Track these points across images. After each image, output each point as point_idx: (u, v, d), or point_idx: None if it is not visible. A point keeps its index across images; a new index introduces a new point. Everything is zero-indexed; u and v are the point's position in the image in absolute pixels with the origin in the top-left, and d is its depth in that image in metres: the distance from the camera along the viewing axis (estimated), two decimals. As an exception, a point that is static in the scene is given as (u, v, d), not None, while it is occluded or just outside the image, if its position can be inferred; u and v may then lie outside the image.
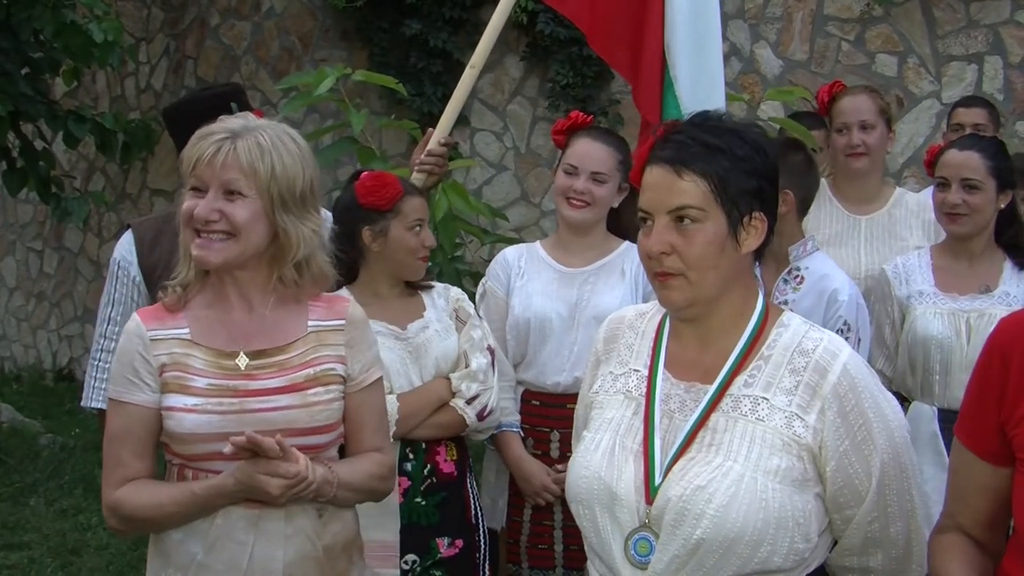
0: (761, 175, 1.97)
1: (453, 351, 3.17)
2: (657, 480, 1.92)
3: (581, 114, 3.50)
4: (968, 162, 3.46)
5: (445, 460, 3.16)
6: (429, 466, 3.13)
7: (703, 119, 2.01)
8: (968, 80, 6.23)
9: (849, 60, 6.50)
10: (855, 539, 1.99)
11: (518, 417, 3.37)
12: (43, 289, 9.53)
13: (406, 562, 3.08)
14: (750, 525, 1.85)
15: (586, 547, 2.08)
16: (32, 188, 7.02)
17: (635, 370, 2.08)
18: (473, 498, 3.23)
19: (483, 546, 3.22)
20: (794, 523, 1.88)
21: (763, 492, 1.87)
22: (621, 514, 1.94)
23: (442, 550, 3.12)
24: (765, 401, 1.93)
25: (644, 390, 2.03)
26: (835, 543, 2.03)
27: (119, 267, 3.27)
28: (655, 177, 1.96)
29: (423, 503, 3.09)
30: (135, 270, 3.23)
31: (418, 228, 3.15)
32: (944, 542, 1.96)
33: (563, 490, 3.16)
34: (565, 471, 3.15)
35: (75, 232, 9.14)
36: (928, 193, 3.91)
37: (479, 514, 3.24)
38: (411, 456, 3.07)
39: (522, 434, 3.36)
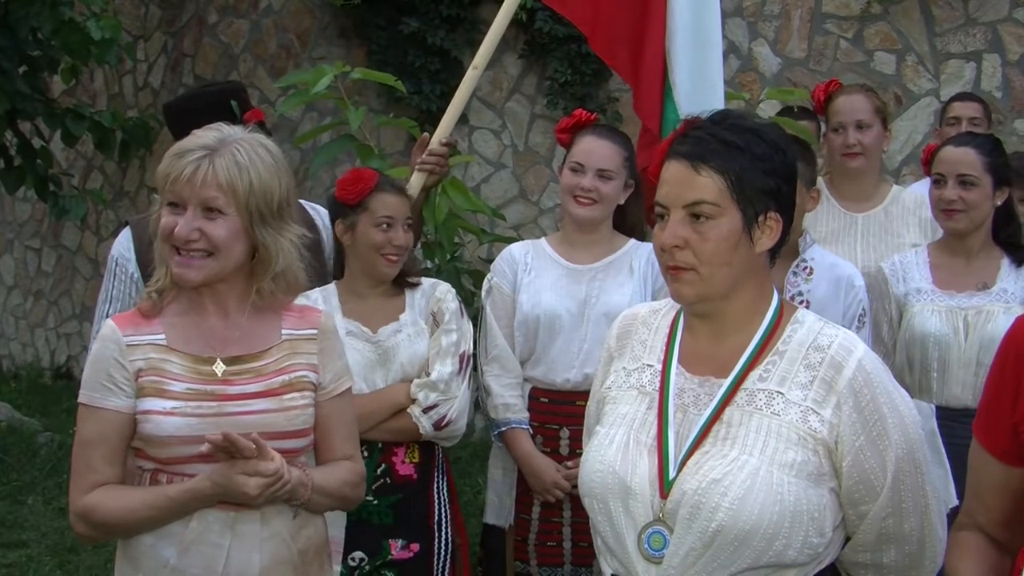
0: (779, 175, 1.98)
1: (422, 355, 3.15)
2: (671, 474, 1.93)
3: (585, 112, 3.51)
4: (964, 158, 3.47)
5: (403, 462, 3.15)
6: (384, 466, 3.11)
7: (723, 116, 2.02)
8: (966, 78, 6.23)
9: (847, 58, 6.49)
10: (869, 535, 2.00)
11: (527, 414, 3.36)
12: (41, 287, 9.52)
13: (353, 559, 3.08)
14: (765, 518, 1.86)
15: (597, 543, 2.09)
16: (30, 186, 7.02)
17: (649, 365, 2.09)
18: (439, 503, 3.20)
19: (443, 553, 3.19)
20: (809, 517, 1.89)
21: (779, 486, 1.88)
22: (635, 508, 1.95)
23: (394, 551, 3.10)
24: (780, 395, 1.95)
25: (658, 385, 2.04)
26: (847, 540, 2.03)
27: (117, 264, 3.27)
28: (672, 172, 1.98)
29: (374, 502, 3.07)
30: (133, 267, 3.23)
31: (386, 226, 3.11)
32: (960, 540, 1.97)
33: (573, 486, 3.18)
34: (575, 467, 3.17)
35: (73, 230, 9.13)
36: (923, 187, 3.91)
37: (445, 519, 3.20)
38: (365, 454, 3.02)
39: (531, 431, 3.35)
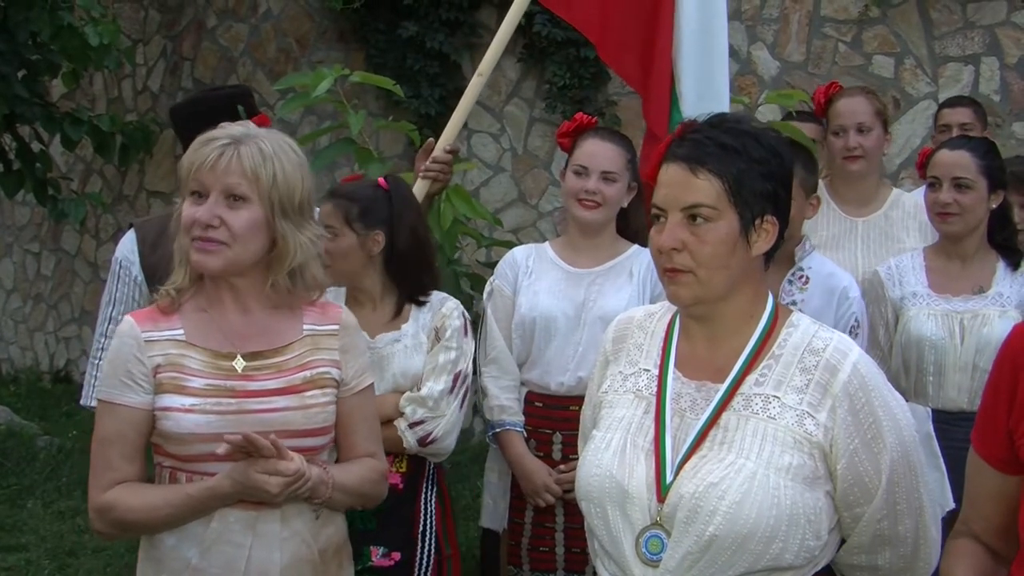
0: (776, 179, 1.99)
1: (416, 369, 3.11)
2: (668, 478, 1.94)
3: (585, 116, 3.51)
4: (959, 161, 3.47)
5: (390, 471, 3.11)
6: None
7: (721, 119, 2.02)
8: (965, 81, 6.23)
9: (846, 61, 6.50)
10: (864, 537, 2.00)
11: (522, 417, 3.36)
12: (40, 291, 9.52)
13: None
14: (763, 522, 1.86)
15: (594, 547, 2.09)
16: (29, 190, 7.03)
17: (645, 369, 2.09)
18: (426, 513, 3.17)
19: (426, 563, 3.15)
20: (806, 520, 1.90)
21: (775, 489, 1.88)
22: (632, 512, 1.95)
23: (375, 559, 3.07)
24: (776, 399, 1.95)
25: (655, 389, 2.05)
26: (843, 542, 2.04)
27: (121, 266, 3.26)
28: (670, 174, 1.98)
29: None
30: (137, 269, 3.23)
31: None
32: (955, 547, 1.97)
33: (565, 491, 3.18)
34: (567, 471, 3.17)
35: (72, 234, 9.13)
36: (924, 193, 3.92)
37: (430, 530, 3.17)
38: None
39: (525, 434, 3.35)
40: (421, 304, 3.18)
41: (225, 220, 2.22)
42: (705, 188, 1.94)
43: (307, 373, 2.31)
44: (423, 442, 3.08)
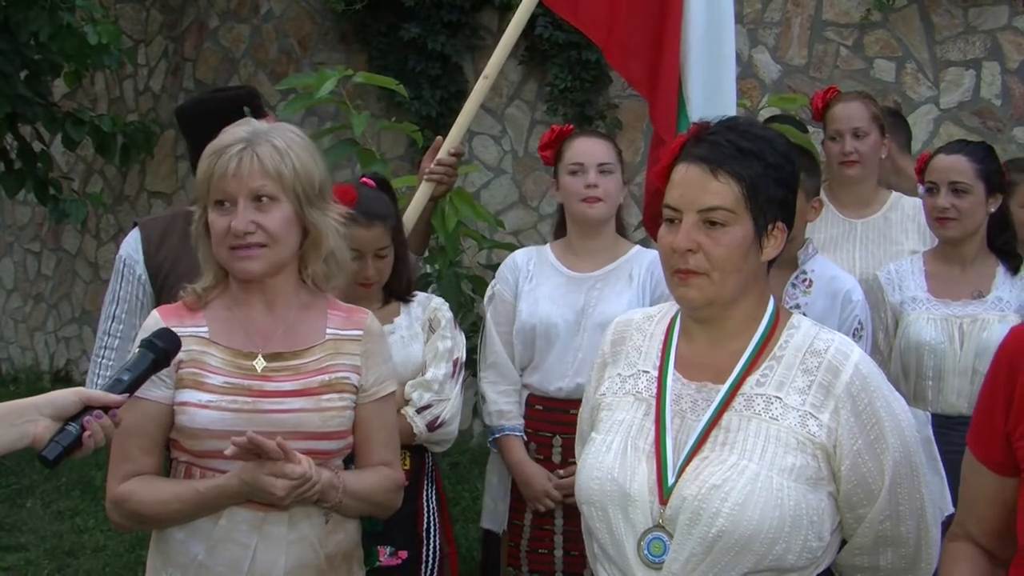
0: (787, 185, 2.00)
1: (415, 359, 3.14)
2: (670, 480, 1.94)
3: (558, 126, 3.55)
4: (956, 165, 3.48)
5: None
6: None
7: (735, 123, 2.02)
8: (966, 86, 6.24)
9: (847, 65, 6.50)
10: (866, 538, 2.01)
11: (522, 421, 3.36)
12: (41, 291, 9.52)
13: None
14: (766, 523, 1.86)
15: (593, 551, 2.09)
16: (30, 190, 7.02)
17: (644, 371, 2.09)
18: (428, 511, 3.18)
19: (431, 561, 3.16)
20: (808, 521, 1.90)
21: (779, 490, 1.88)
22: (635, 515, 1.95)
23: (383, 558, 3.08)
24: (778, 400, 1.95)
25: (654, 391, 2.05)
26: (844, 543, 2.04)
27: (125, 265, 3.26)
28: (687, 175, 1.97)
29: None
30: (141, 268, 3.22)
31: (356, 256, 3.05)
32: (954, 550, 1.97)
33: (564, 496, 3.18)
34: (566, 476, 3.17)
35: (73, 234, 9.13)
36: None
37: (433, 527, 3.18)
38: None
39: (525, 438, 3.36)
40: (407, 302, 3.21)
41: (260, 224, 2.24)
42: (724, 191, 1.94)
43: (326, 377, 2.32)
44: (432, 426, 3.10)
